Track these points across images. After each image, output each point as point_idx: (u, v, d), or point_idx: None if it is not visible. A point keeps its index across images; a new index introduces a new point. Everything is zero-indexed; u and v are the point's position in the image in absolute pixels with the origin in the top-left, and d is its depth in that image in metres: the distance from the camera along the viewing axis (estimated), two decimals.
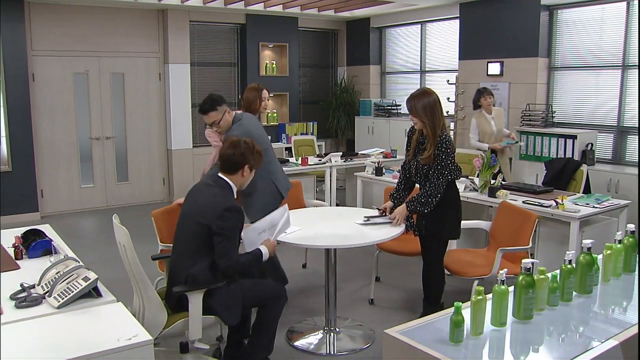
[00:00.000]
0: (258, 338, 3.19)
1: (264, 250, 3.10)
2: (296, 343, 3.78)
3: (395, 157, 7.00)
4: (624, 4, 6.14)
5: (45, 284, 2.49)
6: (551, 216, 4.30)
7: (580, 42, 6.61)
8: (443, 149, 3.51)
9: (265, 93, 4.53)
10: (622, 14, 6.17)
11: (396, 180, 4.06)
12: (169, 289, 3.00)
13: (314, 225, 3.78)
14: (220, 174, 3.09)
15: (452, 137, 7.65)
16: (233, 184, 3.07)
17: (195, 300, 2.84)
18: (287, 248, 4.06)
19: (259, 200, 4.00)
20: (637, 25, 5.94)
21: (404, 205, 3.66)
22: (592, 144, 6.19)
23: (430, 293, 3.81)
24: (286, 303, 3.28)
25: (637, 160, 6.08)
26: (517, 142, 6.27)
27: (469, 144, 6.31)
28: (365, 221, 3.73)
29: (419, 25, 8.69)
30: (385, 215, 3.75)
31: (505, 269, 2.20)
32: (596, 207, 4.34)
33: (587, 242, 2.39)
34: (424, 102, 3.52)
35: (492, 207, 4.85)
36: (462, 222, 3.82)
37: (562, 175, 5.65)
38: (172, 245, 3.18)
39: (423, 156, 3.59)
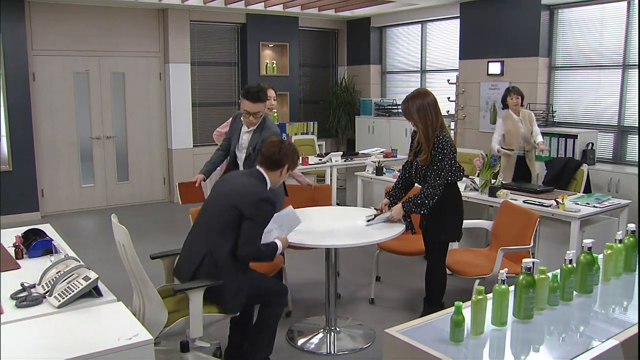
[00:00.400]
0: (259, 337, 3.20)
1: (279, 244, 3.14)
2: (296, 342, 3.78)
3: (396, 156, 7.00)
4: (625, 3, 6.14)
5: (46, 284, 2.49)
6: (552, 216, 4.30)
7: (580, 42, 6.61)
8: (440, 149, 3.47)
9: (270, 92, 4.49)
10: (623, 14, 6.16)
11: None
12: (181, 265, 3.03)
13: (315, 225, 3.77)
14: (259, 168, 3.15)
15: (452, 136, 7.70)
16: (269, 180, 3.14)
17: (196, 299, 2.84)
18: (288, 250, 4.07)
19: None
20: (637, 25, 5.93)
21: (400, 204, 3.66)
22: (592, 144, 6.19)
23: (432, 293, 3.81)
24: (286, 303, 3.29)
25: (637, 160, 6.08)
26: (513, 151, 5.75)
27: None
28: (368, 221, 3.71)
29: (420, 25, 8.68)
30: (383, 212, 3.74)
31: (506, 269, 2.19)
32: (597, 207, 4.34)
33: (587, 241, 2.38)
34: (417, 105, 3.49)
35: (492, 206, 4.85)
36: (464, 221, 3.81)
37: (562, 175, 5.64)
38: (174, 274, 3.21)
39: (420, 158, 3.57)
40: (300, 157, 6.70)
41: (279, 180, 3.21)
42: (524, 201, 4.46)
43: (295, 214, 3.34)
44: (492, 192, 4.66)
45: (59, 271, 2.53)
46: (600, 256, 2.54)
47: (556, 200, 4.32)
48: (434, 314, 2.20)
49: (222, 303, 2.97)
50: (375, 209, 3.87)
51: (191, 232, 3.17)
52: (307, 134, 8.89)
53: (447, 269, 3.86)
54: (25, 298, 2.38)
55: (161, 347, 3.31)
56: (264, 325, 3.17)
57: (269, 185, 3.15)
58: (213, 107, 8.50)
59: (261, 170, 3.15)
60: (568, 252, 2.34)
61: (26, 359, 1.95)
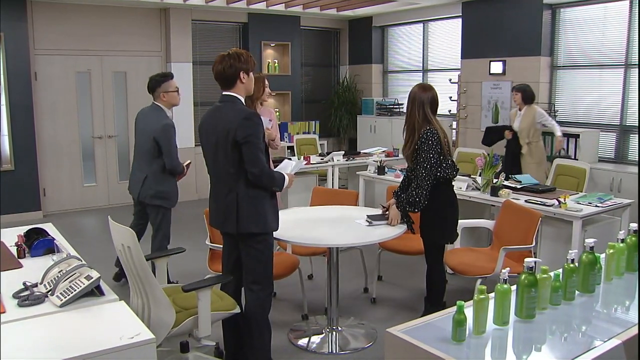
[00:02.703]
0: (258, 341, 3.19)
1: (286, 176, 3.15)
2: (298, 342, 3.78)
3: (397, 155, 6.98)
4: (627, 2, 6.12)
5: (48, 283, 2.49)
6: (554, 215, 4.29)
7: (582, 41, 6.60)
8: (424, 140, 3.52)
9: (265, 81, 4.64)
10: (625, 13, 6.15)
11: (398, 179, 4.05)
12: (224, 218, 3.05)
13: (316, 224, 3.77)
14: (224, 92, 3.08)
15: (448, 134, 7.69)
16: (239, 95, 3.07)
17: (205, 297, 2.83)
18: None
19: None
20: (638, 24, 5.92)
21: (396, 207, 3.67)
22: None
23: (432, 293, 3.81)
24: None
25: (638, 159, 6.06)
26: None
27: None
28: (368, 223, 3.71)
29: (421, 24, 8.68)
30: (386, 214, 3.74)
31: (508, 268, 2.19)
32: (599, 206, 4.33)
33: (589, 241, 2.38)
34: (412, 95, 3.63)
35: (494, 206, 4.84)
36: (465, 221, 3.80)
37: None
38: (217, 229, 3.24)
39: (405, 149, 3.68)
40: (302, 157, 6.69)
41: (246, 86, 3.08)
42: (525, 200, 4.45)
43: (293, 162, 3.41)
44: (494, 191, 4.66)
45: (61, 270, 2.53)
46: (603, 256, 2.54)
47: (558, 200, 4.31)
48: (436, 313, 2.19)
49: (265, 225, 3.03)
50: (382, 206, 3.86)
51: (215, 186, 3.15)
52: (308, 133, 8.89)
53: (448, 269, 3.86)
54: (27, 297, 2.39)
55: (162, 348, 3.30)
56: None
57: (242, 99, 3.07)
58: None
59: (228, 93, 3.05)
60: (570, 251, 2.34)
61: (28, 359, 1.96)
